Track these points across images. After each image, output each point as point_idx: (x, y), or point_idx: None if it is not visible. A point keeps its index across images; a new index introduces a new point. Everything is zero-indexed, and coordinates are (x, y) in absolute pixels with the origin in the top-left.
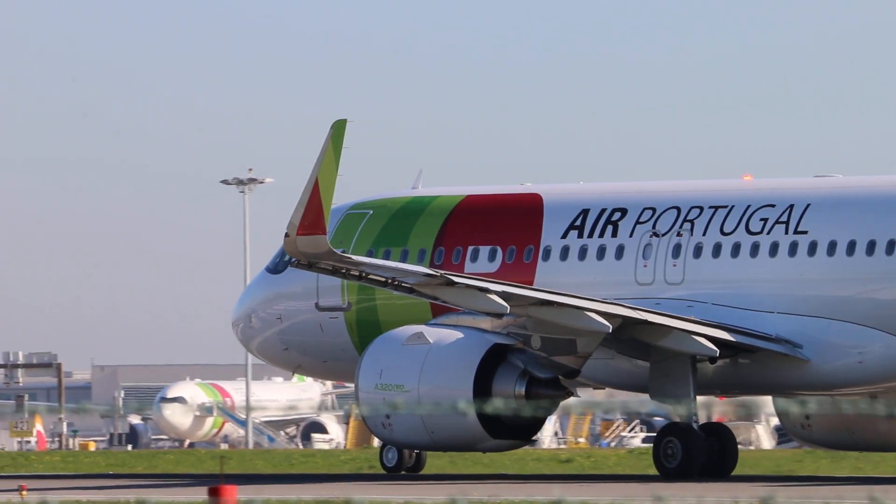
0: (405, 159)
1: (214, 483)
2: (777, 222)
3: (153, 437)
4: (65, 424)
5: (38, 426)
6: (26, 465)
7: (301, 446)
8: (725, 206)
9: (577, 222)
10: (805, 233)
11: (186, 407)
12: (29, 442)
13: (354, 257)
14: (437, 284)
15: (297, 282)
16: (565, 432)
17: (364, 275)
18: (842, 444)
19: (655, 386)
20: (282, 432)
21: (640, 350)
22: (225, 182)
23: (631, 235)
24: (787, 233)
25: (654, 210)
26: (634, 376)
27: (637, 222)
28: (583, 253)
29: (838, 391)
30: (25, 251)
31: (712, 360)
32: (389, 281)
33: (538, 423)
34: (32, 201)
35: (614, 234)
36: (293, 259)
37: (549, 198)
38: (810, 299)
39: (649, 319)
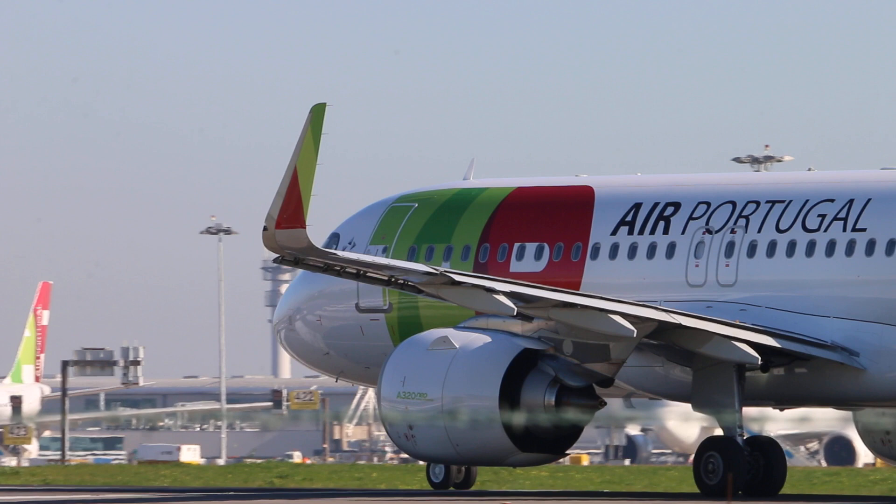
0: (475, 150)
1: None
2: (835, 219)
3: (654, 450)
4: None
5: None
6: (510, 480)
7: (825, 463)
8: (783, 201)
9: (629, 218)
10: (864, 230)
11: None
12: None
13: (341, 253)
14: (441, 284)
15: (336, 281)
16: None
17: (362, 273)
18: None
19: (698, 395)
20: (801, 447)
21: (684, 357)
22: None
23: (683, 232)
24: (844, 230)
25: (708, 205)
26: (686, 385)
27: (690, 218)
28: (633, 251)
29: (889, 405)
30: None
31: (764, 368)
32: (393, 280)
33: (572, 436)
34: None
35: (666, 231)
36: (278, 256)
37: (601, 191)
38: (867, 303)
39: (683, 323)
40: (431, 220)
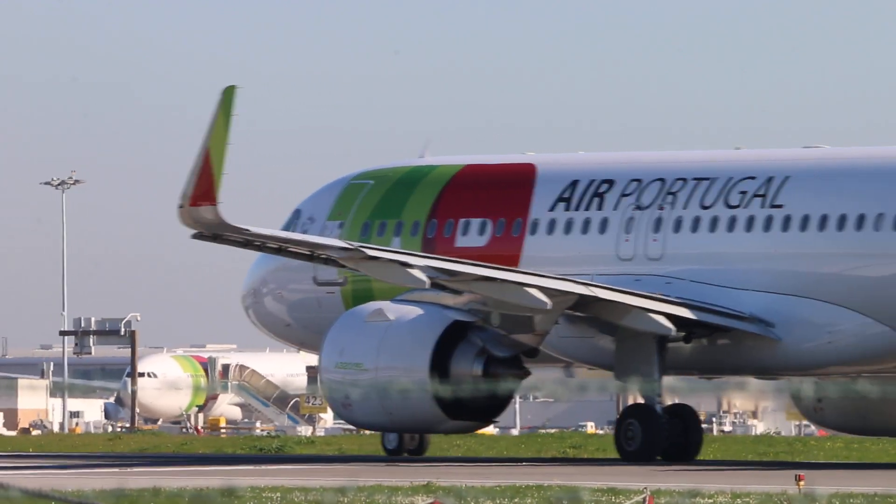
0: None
1: None
2: (755, 195)
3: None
4: None
5: None
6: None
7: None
8: (708, 179)
9: (566, 194)
10: (781, 206)
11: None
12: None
13: (254, 229)
14: (358, 258)
15: None
16: None
17: (283, 248)
18: (854, 428)
19: (620, 365)
20: None
21: (610, 328)
22: None
23: (615, 208)
24: (763, 206)
25: (640, 182)
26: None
27: (622, 194)
28: (569, 226)
29: (808, 373)
30: None
31: (687, 339)
32: (315, 254)
33: (501, 404)
34: None
35: (600, 207)
36: (196, 231)
37: (542, 168)
38: (783, 276)
39: (600, 296)
40: (385, 196)
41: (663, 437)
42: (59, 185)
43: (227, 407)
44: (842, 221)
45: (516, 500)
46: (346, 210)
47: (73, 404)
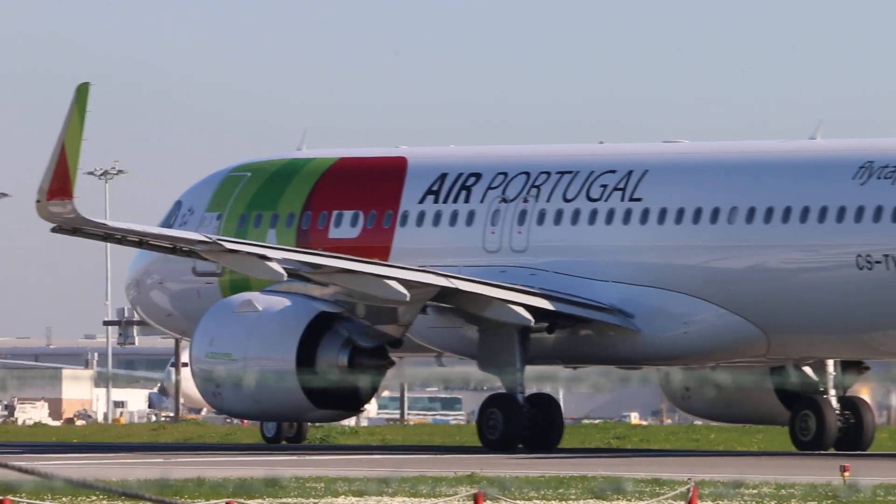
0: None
1: None
2: (615, 189)
3: None
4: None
5: None
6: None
7: None
8: (571, 172)
9: (435, 187)
10: (640, 200)
11: None
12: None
13: (111, 223)
14: (218, 251)
15: None
16: None
17: (144, 241)
18: (721, 415)
19: (483, 355)
20: None
21: (473, 319)
22: None
23: (482, 201)
24: (623, 200)
25: (505, 175)
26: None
27: (489, 187)
28: (437, 218)
29: (667, 362)
30: None
31: (550, 330)
32: (177, 247)
33: (367, 394)
34: None
35: (467, 200)
36: (55, 226)
37: (413, 161)
38: (642, 267)
39: (460, 288)
40: (261, 188)
41: (524, 426)
42: (101, 174)
43: None
44: (697, 215)
45: (560, 491)
46: (225, 202)
47: (118, 394)
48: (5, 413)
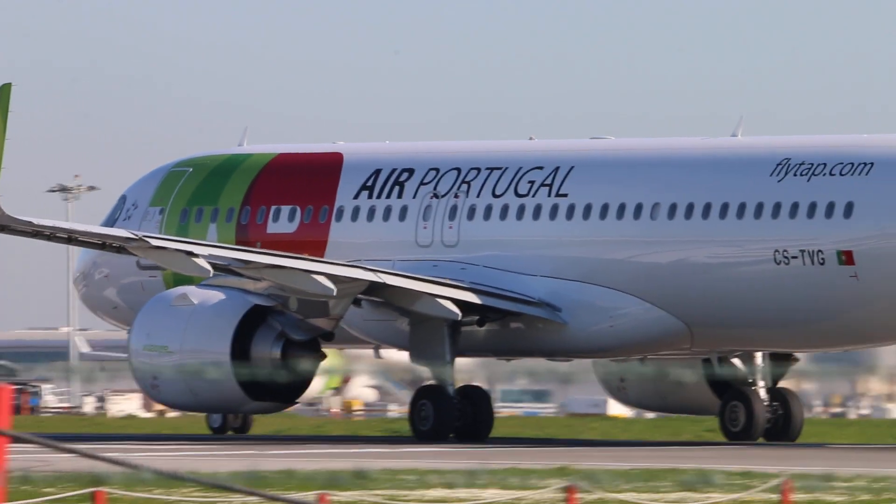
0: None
1: None
2: (542, 185)
3: None
4: None
5: None
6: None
7: None
8: (500, 168)
9: (369, 182)
10: (566, 195)
11: None
12: None
13: (37, 221)
14: (147, 247)
15: None
16: None
17: (73, 238)
18: (655, 406)
19: (414, 348)
20: None
21: (406, 312)
22: None
23: (414, 196)
24: (549, 195)
25: (437, 171)
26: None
27: (421, 183)
28: (371, 214)
29: (593, 355)
30: None
31: (481, 323)
32: (107, 244)
33: (301, 386)
34: None
35: (400, 195)
36: None
37: (349, 157)
38: (568, 262)
39: (387, 282)
40: (203, 183)
41: (454, 417)
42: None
43: (362, 389)
44: (621, 210)
45: (651, 484)
46: (167, 196)
47: None
48: (98, 405)
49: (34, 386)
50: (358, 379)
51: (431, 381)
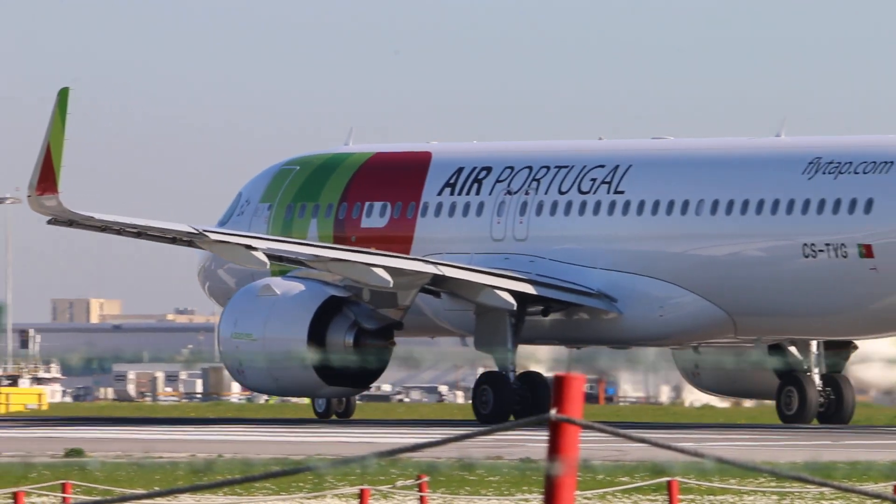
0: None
1: None
2: (603, 182)
3: None
4: None
5: None
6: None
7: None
8: (567, 167)
9: (452, 180)
10: (623, 192)
11: None
12: None
13: (97, 216)
14: (211, 241)
15: None
16: None
17: (142, 232)
18: (726, 391)
19: (478, 336)
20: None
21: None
22: None
23: (490, 193)
24: (609, 192)
25: (512, 169)
26: None
27: (497, 180)
28: (453, 209)
29: (646, 343)
30: None
31: (545, 313)
32: (177, 238)
33: (374, 372)
34: None
35: (478, 192)
36: (50, 217)
37: (437, 156)
38: (625, 255)
39: (447, 275)
40: (307, 181)
41: (514, 402)
42: None
43: None
44: (670, 207)
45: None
46: (275, 193)
47: None
48: (673, 394)
49: (611, 375)
50: None
51: (493, 368)
